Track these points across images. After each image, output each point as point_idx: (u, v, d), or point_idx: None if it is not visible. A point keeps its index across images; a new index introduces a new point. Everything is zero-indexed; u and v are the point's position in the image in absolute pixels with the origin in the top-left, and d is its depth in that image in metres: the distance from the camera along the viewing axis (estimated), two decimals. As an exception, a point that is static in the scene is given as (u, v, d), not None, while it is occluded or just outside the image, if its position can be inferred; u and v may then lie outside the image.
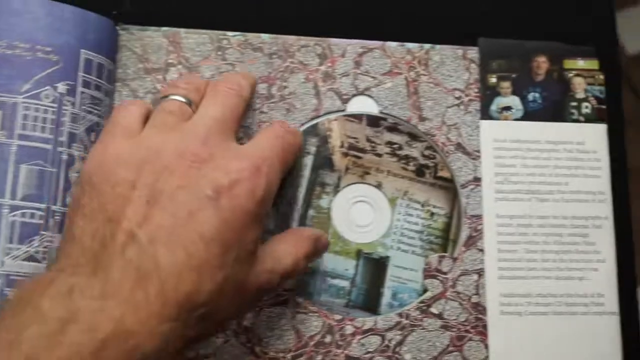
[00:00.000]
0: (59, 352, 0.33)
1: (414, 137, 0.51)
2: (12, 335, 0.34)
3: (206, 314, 0.37)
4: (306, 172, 0.50)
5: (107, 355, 0.34)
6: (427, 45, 0.51)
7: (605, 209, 0.52)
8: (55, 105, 0.45)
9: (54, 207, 0.44)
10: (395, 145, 0.51)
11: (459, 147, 0.51)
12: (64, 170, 0.44)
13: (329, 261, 0.50)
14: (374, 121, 0.51)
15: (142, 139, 0.41)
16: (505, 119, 0.52)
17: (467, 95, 0.51)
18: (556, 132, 0.52)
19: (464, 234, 0.51)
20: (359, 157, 0.50)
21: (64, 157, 0.45)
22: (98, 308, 0.34)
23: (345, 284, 0.50)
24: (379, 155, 0.51)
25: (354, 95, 0.51)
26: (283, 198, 0.50)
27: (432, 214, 0.51)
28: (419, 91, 0.51)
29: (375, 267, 0.50)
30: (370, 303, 0.50)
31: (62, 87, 0.45)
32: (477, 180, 0.51)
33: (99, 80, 0.46)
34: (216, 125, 0.42)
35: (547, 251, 0.51)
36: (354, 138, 0.50)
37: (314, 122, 0.50)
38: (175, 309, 0.36)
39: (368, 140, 0.50)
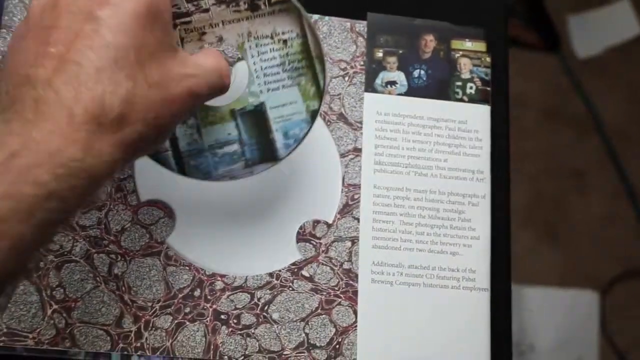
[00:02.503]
0: None
1: None
2: None
3: (124, 115, 0.38)
4: None
5: (20, 163, 0.35)
6: (316, 16, 0.52)
7: (483, 188, 0.53)
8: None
9: None
10: None
11: (341, 117, 0.52)
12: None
13: (209, 134, 0.49)
14: None
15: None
16: (389, 93, 0.53)
17: (352, 68, 0.53)
18: (439, 109, 0.53)
19: (340, 201, 0.52)
20: (188, 22, 0.48)
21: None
22: (4, 132, 0.35)
23: (235, 147, 0.49)
24: (206, 10, 0.49)
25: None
26: None
27: (285, 41, 0.49)
28: None
29: (255, 117, 0.49)
30: (266, 154, 0.49)
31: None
32: (357, 150, 0.52)
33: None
34: None
35: (422, 224, 0.52)
36: (175, 6, 0.47)
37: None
38: (84, 116, 0.36)
39: (188, 1, 0.48)
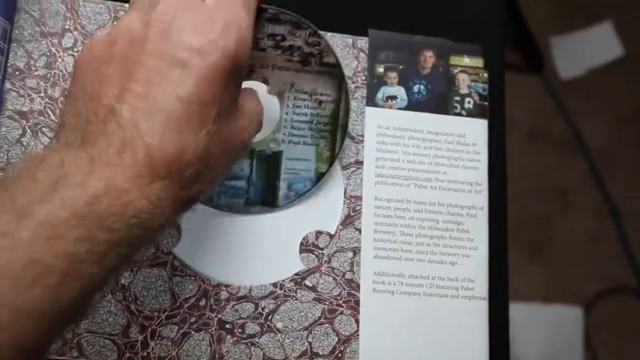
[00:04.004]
0: (51, 205, 0.34)
1: (296, 25, 0.52)
2: (6, 194, 0.35)
3: (196, 172, 0.38)
4: None
5: (99, 210, 0.35)
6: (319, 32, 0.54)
7: (481, 200, 0.54)
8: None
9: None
10: (278, 37, 0.51)
11: (344, 130, 0.54)
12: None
13: None
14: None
15: (119, 21, 0.41)
16: (390, 107, 0.54)
17: (354, 83, 0.54)
18: (438, 123, 0.55)
19: (343, 212, 0.53)
20: None
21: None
22: (87, 171, 0.36)
23: (242, 183, 0.51)
24: (263, 49, 0.51)
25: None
26: None
27: (320, 102, 0.52)
28: None
29: (269, 162, 0.52)
30: (267, 197, 0.52)
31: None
32: (358, 163, 0.54)
33: (-3, 39, 0.49)
34: None
35: (422, 235, 0.54)
36: None
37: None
38: (163, 168, 0.37)
39: None
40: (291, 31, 0.52)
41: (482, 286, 0.54)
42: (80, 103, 0.39)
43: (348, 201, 0.53)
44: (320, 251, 0.53)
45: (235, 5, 0.41)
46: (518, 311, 1.41)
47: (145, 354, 0.51)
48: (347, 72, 0.54)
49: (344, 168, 0.53)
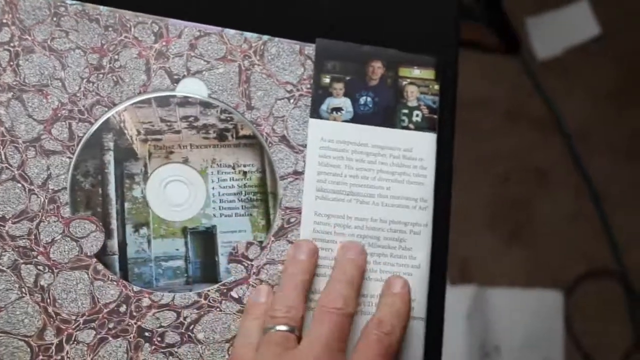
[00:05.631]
0: None
1: (206, 105, 0.51)
2: None
3: None
4: (111, 169, 0.51)
5: None
6: (265, 37, 0.52)
7: (425, 216, 0.52)
8: None
9: None
10: (190, 118, 0.51)
11: (283, 139, 0.52)
12: None
13: (158, 246, 0.50)
14: (163, 101, 0.51)
15: None
16: (335, 119, 0.52)
17: (298, 90, 0.52)
18: (384, 137, 0.52)
19: (276, 224, 0.51)
20: (159, 139, 0.51)
21: None
22: None
23: (179, 263, 0.50)
24: (178, 132, 0.51)
25: (184, 77, 0.52)
26: (98, 198, 0.50)
27: (245, 173, 0.51)
28: (251, 80, 0.52)
29: (204, 238, 0.51)
30: (208, 274, 0.50)
31: None
32: (296, 173, 0.52)
33: None
34: (323, 351, 0.46)
35: (361, 252, 0.51)
36: (149, 122, 0.51)
37: (136, 99, 0.51)
38: None
39: (162, 120, 0.51)
40: (202, 111, 0.51)
41: (421, 306, 0.51)
42: None
43: (283, 212, 0.51)
44: (249, 262, 0.51)
45: None
46: (498, 296, 1.38)
47: (59, 357, 0.49)
48: (292, 79, 0.52)
49: (282, 178, 0.51)
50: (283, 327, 0.47)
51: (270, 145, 0.52)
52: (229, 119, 0.52)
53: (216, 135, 0.51)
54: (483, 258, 1.40)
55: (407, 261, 0.51)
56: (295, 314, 0.47)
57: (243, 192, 0.51)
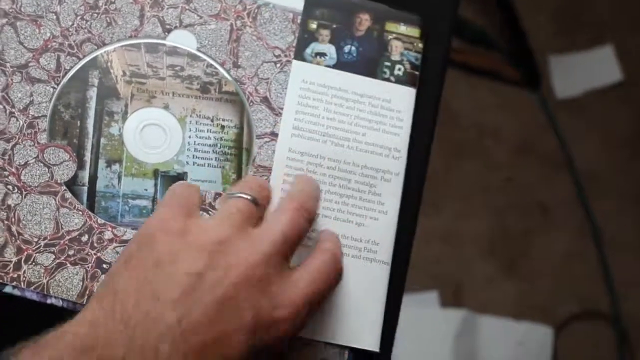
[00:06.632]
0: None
1: (194, 57, 0.52)
2: None
3: None
4: (92, 104, 0.51)
5: None
6: (260, 1, 0.53)
7: (397, 166, 0.52)
8: None
9: None
10: (177, 67, 0.52)
11: (265, 100, 0.52)
12: None
13: (128, 184, 0.51)
14: (152, 48, 0.52)
15: (210, 227, 0.43)
16: (318, 64, 0.52)
17: (286, 57, 0.52)
18: (365, 85, 0.52)
19: (251, 172, 0.51)
20: (143, 83, 0.52)
21: None
22: None
23: (146, 203, 0.51)
24: (162, 78, 0.52)
25: (176, 28, 0.52)
26: (75, 130, 0.51)
27: (223, 127, 0.52)
28: (241, 40, 0.52)
29: (173, 183, 0.50)
30: None
31: None
32: (273, 134, 0.52)
33: None
34: (281, 244, 0.43)
35: (331, 192, 0.51)
36: (135, 65, 0.52)
37: (125, 42, 0.52)
38: None
39: (149, 66, 0.52)
40: (189, 62, 0.52)
41: (386, 250, 0.50)
42: (143, 292, 0.41)
43: (255, 169, 0.51)
44: (215, 211, 0.51)
45: (317, 294, 0.45)
46: (488, 324, 1.35)
47: (15, 275, 0.49)
48: (281, 44, 0.52)
49: (258, 137, 0.52)
50: (247, 196, 0.45)
51: (251, 104, 0.52)
52: (214, 73, 0.52)
53: (199, 87, 0.52)
54: (478, 285, 1.38)
55: (375, 206, 0.51)
56: (262, 193, 0.46)
57: (218, 145, 0.51)
